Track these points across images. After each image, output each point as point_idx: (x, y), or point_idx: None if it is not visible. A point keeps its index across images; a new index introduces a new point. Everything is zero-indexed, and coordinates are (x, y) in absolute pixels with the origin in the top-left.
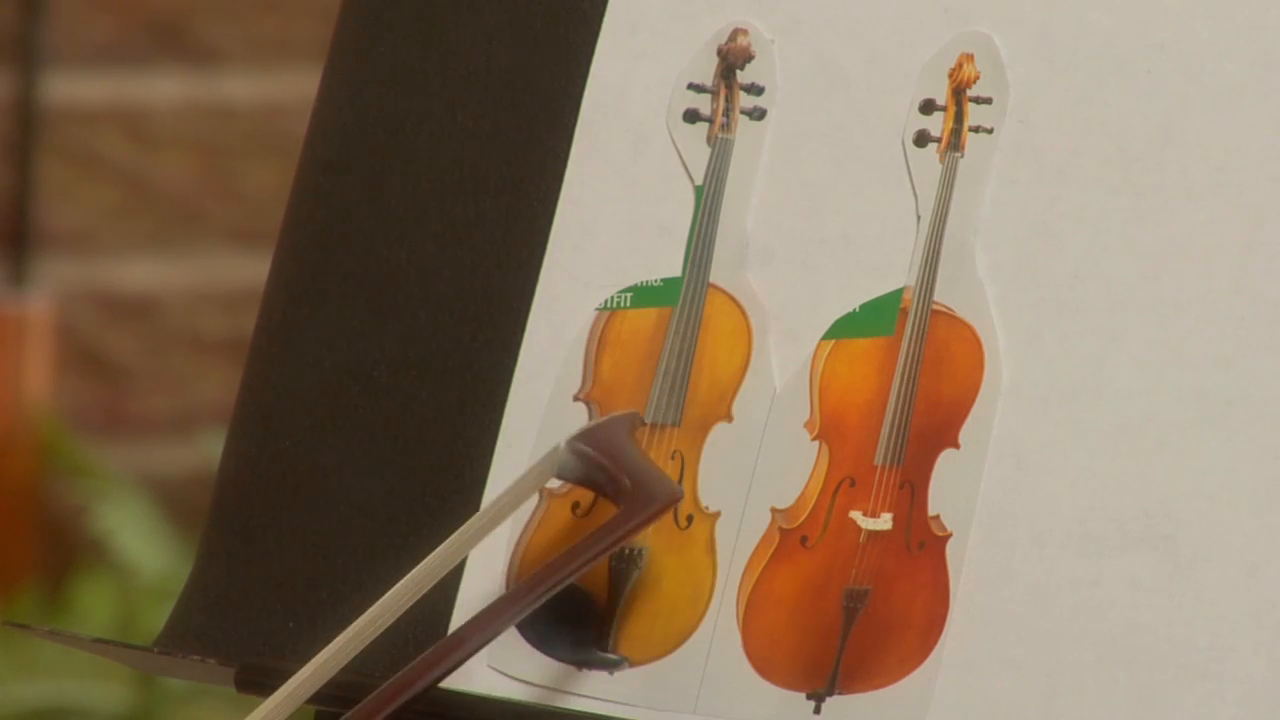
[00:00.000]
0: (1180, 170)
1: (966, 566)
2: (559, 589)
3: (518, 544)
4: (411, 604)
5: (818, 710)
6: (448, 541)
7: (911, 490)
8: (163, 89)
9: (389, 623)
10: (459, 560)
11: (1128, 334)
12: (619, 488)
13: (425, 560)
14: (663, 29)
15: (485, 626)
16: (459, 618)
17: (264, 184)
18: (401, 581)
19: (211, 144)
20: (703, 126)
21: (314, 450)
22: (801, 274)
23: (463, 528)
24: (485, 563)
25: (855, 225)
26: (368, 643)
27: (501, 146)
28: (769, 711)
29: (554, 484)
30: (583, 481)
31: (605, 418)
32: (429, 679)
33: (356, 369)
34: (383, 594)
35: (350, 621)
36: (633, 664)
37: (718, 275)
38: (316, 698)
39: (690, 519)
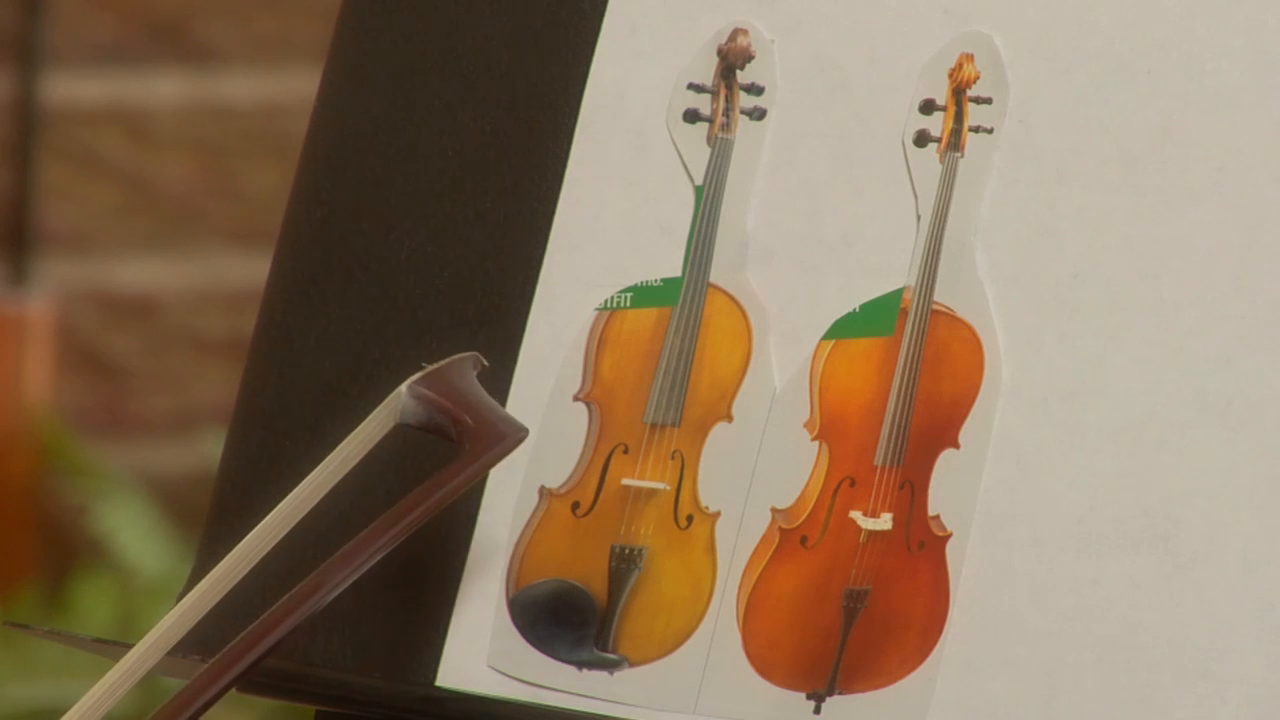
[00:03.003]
0: (1180, 170)
1: (966, 566)
2: (404, 537)
3: (518, 544)
4: (260, 557)
5: (818, 710)
6: (295, 491)
7: (911, 490)
8: (163, 89)
9: (240, 577)
10: (306, 510)
11: (1128, 334)
12: (463, 429)
13: (274, 510)
14: (663, 29)
15: (346, 565)
16: (459, 617)
17: (264, 184)
18: (253, 532)
19: (211, 144)
20: (703, 126)
21: (314, 450)
22: (801, 274)
23: (309, 477)
24: (485, 563)
25: (855, 225)
26: (216, 601)
27: (501, 146)
28: (769, 711)
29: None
30: (426, 426)
31: (444, 360)
32: (282, 630)
33: (356, 369)
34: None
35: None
36: (633, 664)
37: (718, 275)
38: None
39: (690, 519)
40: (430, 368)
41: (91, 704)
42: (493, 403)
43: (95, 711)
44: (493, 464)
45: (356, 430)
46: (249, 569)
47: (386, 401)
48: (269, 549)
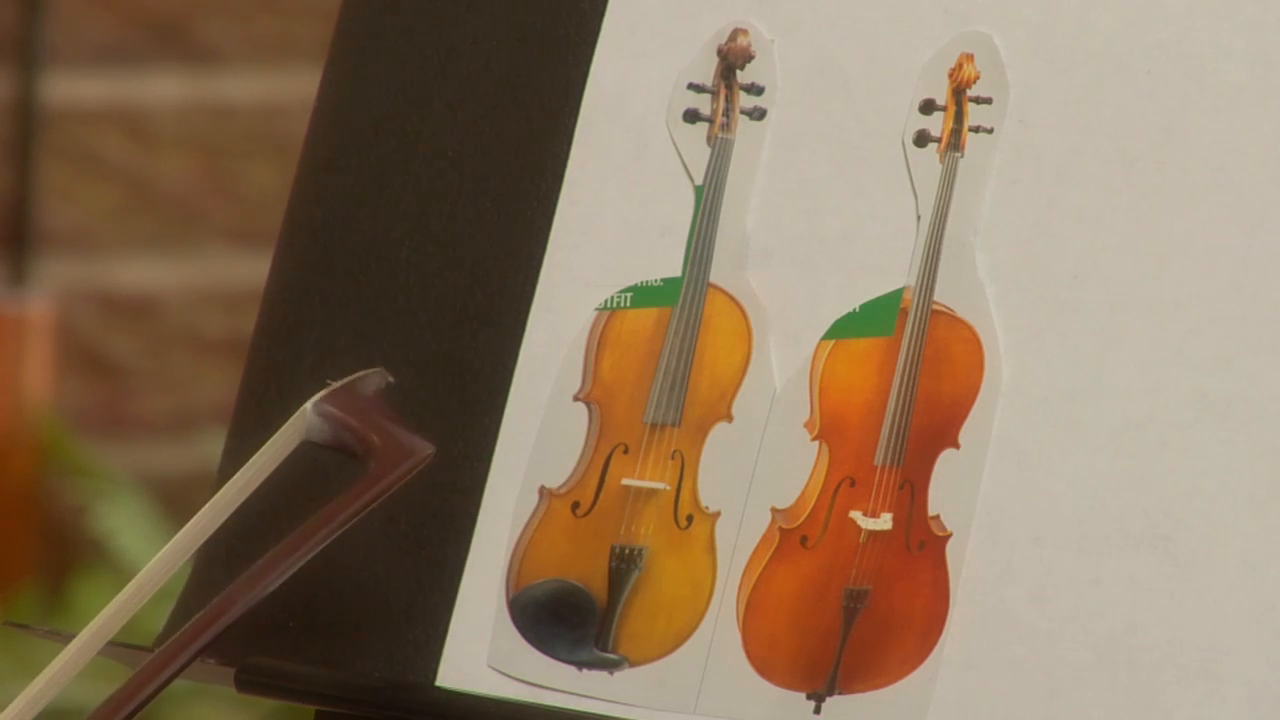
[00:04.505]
0: (1180, 170)
1: (966, 566)
2: (309, 556)
3: (518, 544)
4: (167, 576)
5: (818, 710)
6: (204, 509)
7: (911, 490)
8: (163, 89)
9: (148, 596)
10: (214, 527)
11: (1128, 334)
12: (369, 447)
13: (185, 527)
14: (663, 29)
15: (253, 586)
16: (459, 617)
17: (264, 184)
18: (165, 548)
19: (211, 144)
20: (703, 126)
21: (313, 450)
22: (801, 274)
23: (215, 497)
24: (485, 563)
25: (855, 225)
26: (129, 616)
27: (501, 146)
28: (769, 711)
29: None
30: (332, 444)
31: (350, 377)
32: (196, 646)
33: (356, 369)
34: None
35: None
36: (633, 664)
37: (718, 275)
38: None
39: (690, 519)
40: (334, 385)
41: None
42: (399, 420)
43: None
44: (397, 483)
45: (263, 448)
46: (157, 587)
47: (292, 419)
48: (175, 568)
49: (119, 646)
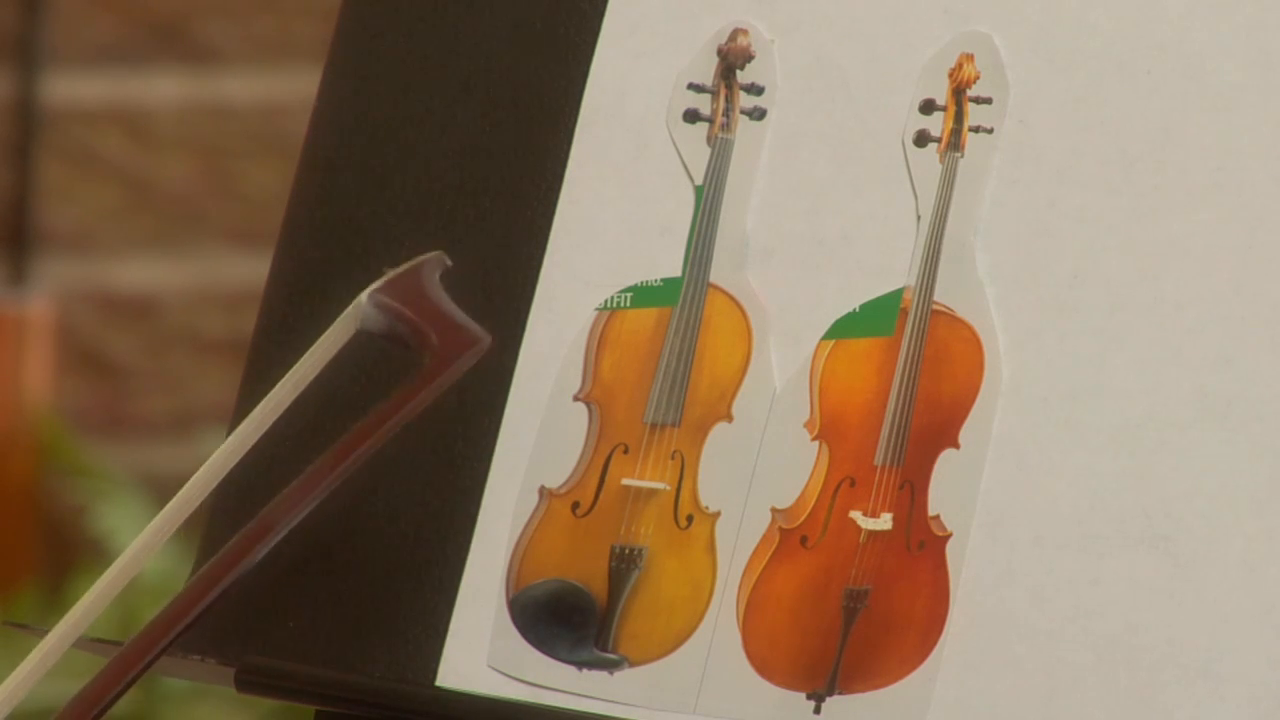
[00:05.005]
0: (1180, 170)
1: (966, 566)
2: (369, 454)
3: (518, 544)
4: (222, 476)
5: (818, 710)
6: (264, 401)
7: (911, 490)
8: (163, 89)
9: (205, 495)
10: (265, 428)
11: (1128, 334)
12: (423, 340)
13: (241, 424)
14: (663, 29)
15: (309, 488)
16: (459, 617)
17: (264, 184)
18: (219, 450)
19: (211, 144)
20: (703, 126)
21: (314, 450)
22: (801, 274)
23: (274, 389)
24: (485, 563)
25: (855, 225)
26: (164, 539)
27: (501, 146)
28: (769, 711)
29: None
30: (386, 335)
31: (408, 264)
32: (245, 564)
33: (356, 369)
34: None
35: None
36: (633, 664)
37: (718, 275)
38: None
39: (690, 519)
40: (392, 273)
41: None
42: (455, 309)
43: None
44: (453, 378)
45: (318, 342)
46: (213, 487)
47: (348, 310)
48: (233, 465)
49: (118, 646)
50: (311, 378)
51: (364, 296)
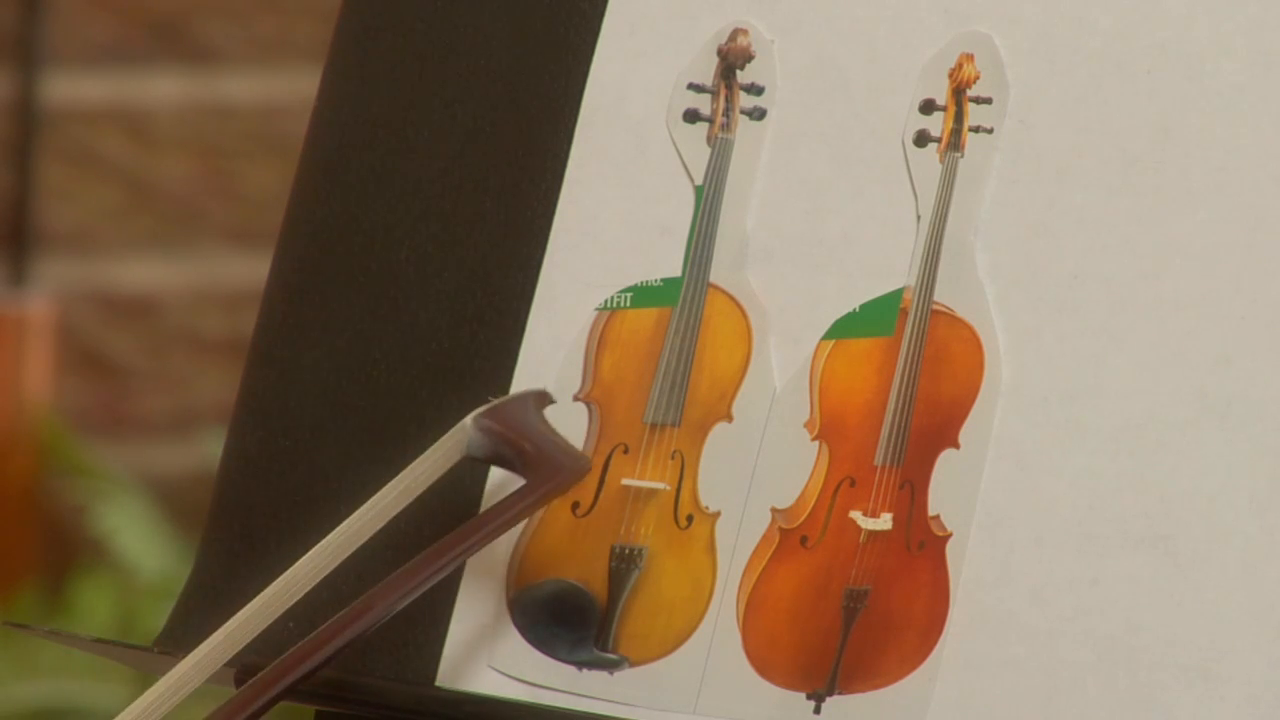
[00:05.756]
0: (1180, 170)
1: (966, 566)
2: (458, 562)
3: (517, 545)
4: (316, 581)
5: (818, 710)
6: (354, 516)
7: (911, 490)
8: (163, 89)
9: (300, 594)
10: (365, 537)
11: (1128, 334)
12: (526, 460)
13: (332, 534)
14: (663, 29)
15: (388, 597)
16: (459, 617)
17: (264, 184)
18: (308, 555)
19: (211, 144)
20: (703, 126)
21: (314, 450)
22: (801, 274)
23: (369, 503)
24: (484, 565)
25: (855, 225)
26: (275, 617)
27: (501, 146)
28: (769, 711)
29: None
30: (491, 458)
31: (512, 395)
32: (332, 647)
33: (356, 369)
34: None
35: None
36: (633, 664)
37: (718, 275)
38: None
39: (690, 519)
40: (497, 401)
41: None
42: (558, 437)
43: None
44: (555, 493)
45: (416, 463)
46: (303, 591)
47: (450, 433)
48: (325, 572)
49: (120, 646)
50: (412, 498)
51: (468, 421)
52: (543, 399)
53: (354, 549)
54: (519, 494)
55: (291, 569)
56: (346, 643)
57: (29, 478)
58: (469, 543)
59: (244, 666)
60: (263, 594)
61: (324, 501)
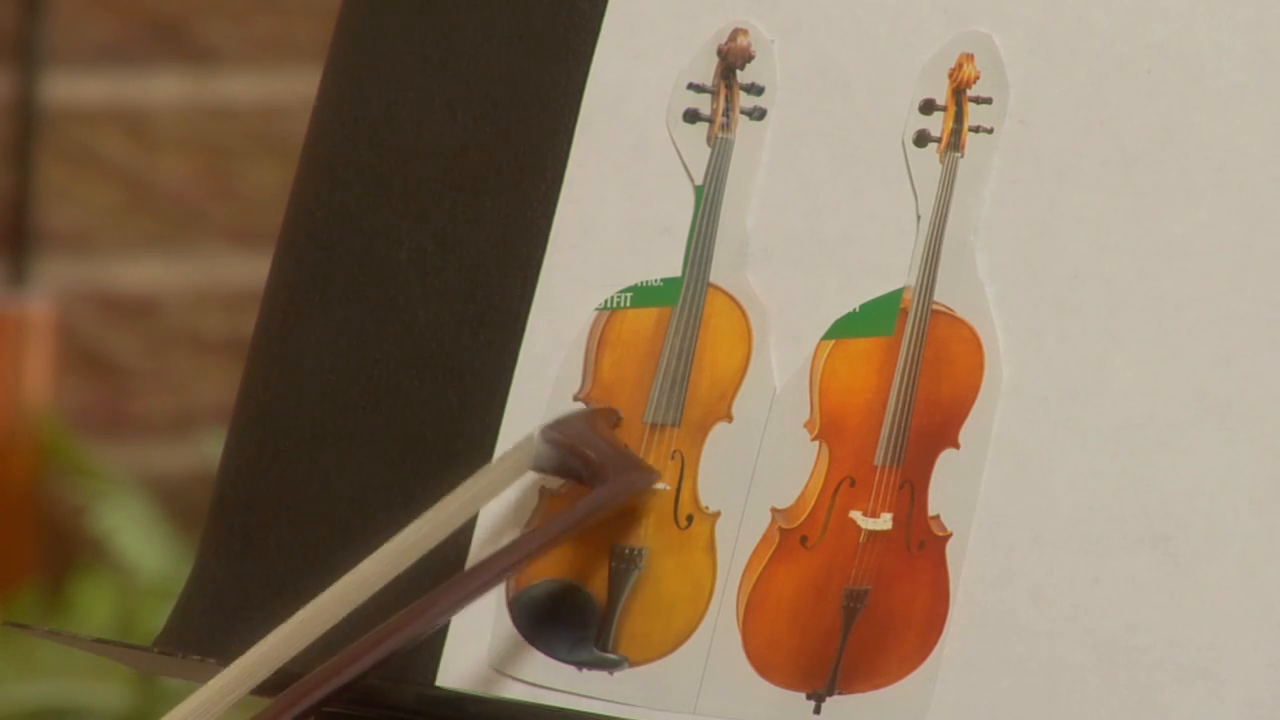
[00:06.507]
0: (1180, 170)
1: (966, 566)
2: (527, 562)
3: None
4: (376, 590)
5: (818, 710)
6: (411, 528)
7: (911, 490)
8: (163, 89)
9: (354, 606)
10: (424, 550)
11: (1128, 334)
12: (595, 470)
13: (388, 544)
14: (663, 29)
15: (452, 596)
16: (459, 617)
17: (264, 184)
18: (362, 564)
19: (211, 144)
20: (703, 126)
21: (314, 450)
22: (801, 274)
23: (428, 514)
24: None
25: (855, 225)
26: (328, 628)
27: (501, 146)
28: (769, 711)
29: (552, 483)
30: (559, 470)
31: (578, 410)
32: (394, 642)
33: (356, 369)
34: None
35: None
36: (632, 664)
37: (718, 275)
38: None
39: (690, 519)
40: (564, 415)
41: None
42: (626, 448)
43: None
44: (623, 501)
45: (481, 474)
46: (363, 599)
47: (517, 446)
48: (388, 579)
49: (120, 646)
50: (476, 510)
51: (535, 433)
52: (612, 416)
53: (414, 561)
54: (594, 497)
55: (340, 582)
56: (396, 648)
57: (29, 478)
58: (529, 548)
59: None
60: (308, 608)
61: (324, 501)
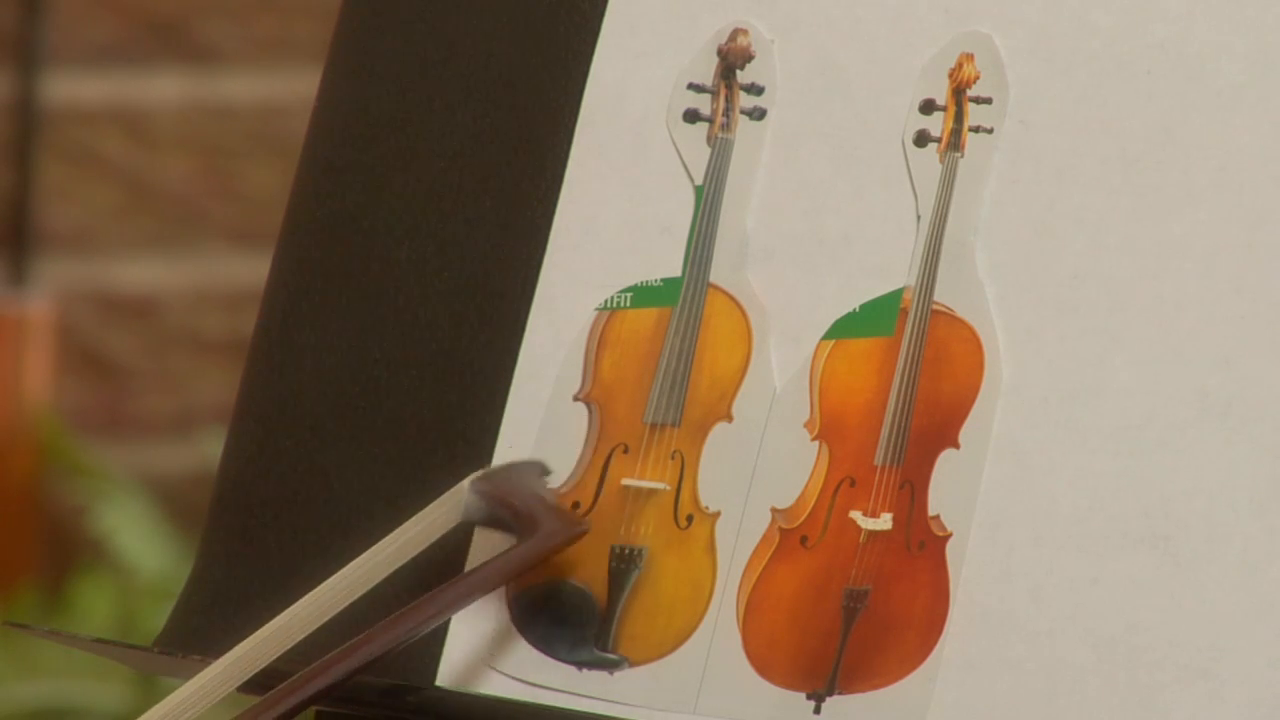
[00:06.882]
0: (1180, 170)
1: (966, 566)
2: (443, 618)
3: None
4: (305, 634)
5: (818, 710)
6: (342, 573)
7: (911, 490)
8: (163, 89)
9: (279, 651)
10: (354, 596)
11: (1128, 334)
12: (524, 521)
13: (322, 586)
14: (663, 29)
15: (396, 627)
16: (459, 617)
17: (264, 184)
18: (297, 605)
19: (211, 144)
20: (703, 126)
21: (314, 450)
22: (801, 274)
23: (357, 561)
24: (485, 561)
25: (855, 225)
26: (271, 660)
27: (501, 146)
28: (769, 711)
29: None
30: (488, 521)
31: (509, 463)
32: (326, 680)
33: (356, 369)
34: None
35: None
36: (632, 664)
37: (718, 275)
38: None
39: (690, 519)
40: (495, 467)
41: None
42: (555, 501)
43: None
44: (551, 555)
45: (409, 523)
46: (287, 646)
47: (446, 496)
48: (315, 626)
49: (120, 646)
50: (406, 560)
51: (466, 484)
52: (542, 470)
53: (346, 604)
54: (517, 551)
55: (272, 622)
56: (317, 692)
57: (29, 478)
58: (453, 598)
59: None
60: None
61: (324, 501)
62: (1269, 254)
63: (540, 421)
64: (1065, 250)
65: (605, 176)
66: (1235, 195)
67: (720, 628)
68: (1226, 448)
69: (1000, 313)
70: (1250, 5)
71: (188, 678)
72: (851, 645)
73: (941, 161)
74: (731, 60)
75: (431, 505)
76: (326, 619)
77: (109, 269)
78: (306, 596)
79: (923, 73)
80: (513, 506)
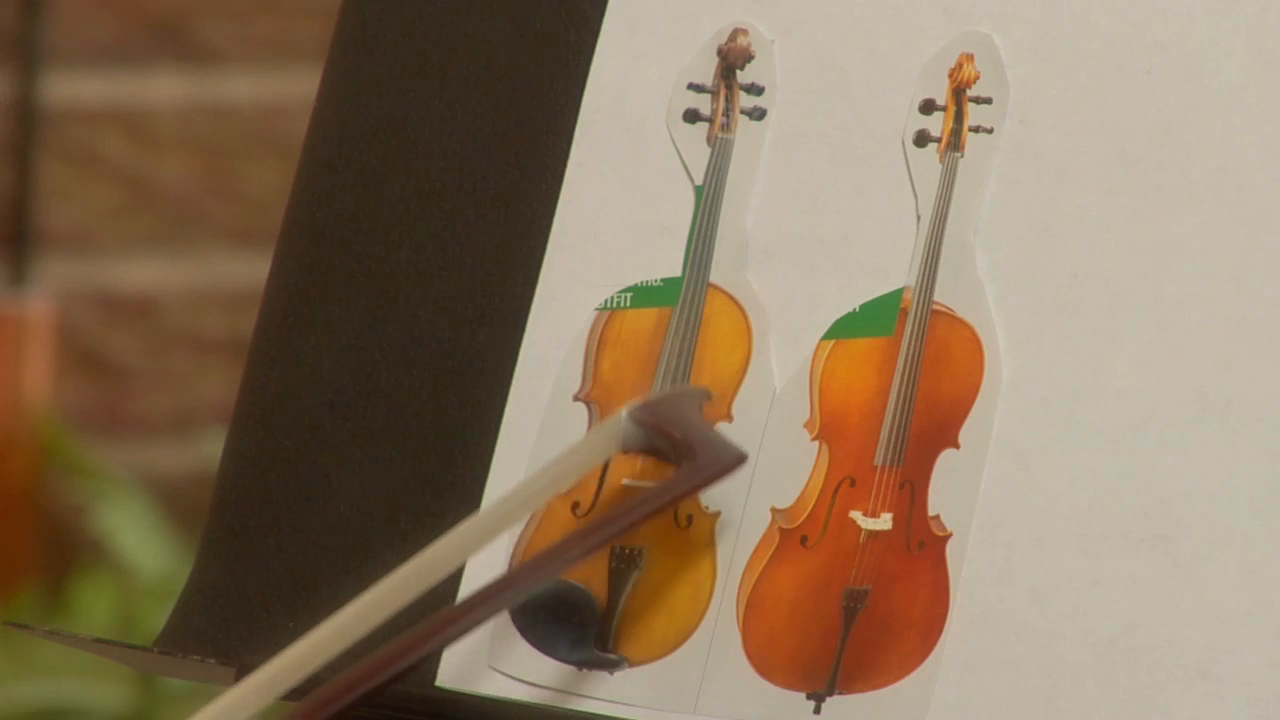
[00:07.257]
0: (1180, 170)
1: (966, 566)
2: (604, 545)
3: (518, 544)
4: (450, 571)
5: (818, 710)
6: (488, 508)
7: (911, 490)
8: (163, 89)
9: (426, 587)
10: (507, 529)
11: (1128, 334)
12: (681, 450)
13: (467, 521)
14: (663, 29)
15: (541, 568)
16: None
17: (264, 184)
18: (436, 543)
19: (211, 144)
20: (703, 126)
21: (314, 450)
22: (801, 274)
23: (510, 492)
24: (485, 563)
25: (855, 225)
26: (393, 613)
27: (501, 146)
28: (769, 711)
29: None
30: (646, 450)
31: (669, 391)
32: (469, 620)
33: (356, 369)
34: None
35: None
36: (632, 664)
37: (718, 275)
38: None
39: (690, 519)
40: (654, 397)
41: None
42: (714, 430)
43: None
44: (712, 480)
45: (567, 451)
46: (436, 580)
47: (603, 425)
48: (462, 561)
49: (120, 646)
50: (561, 489)
51: (623, 414)
52: (703, 396)
53: (493, 540)
54: (677, 478)
55: (417, 558)
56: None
57: (29, 478)
58: (616, 525)
59: (244, 665)
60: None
61: (324, 501)
62: (1269, 254)
63: (540, 421)
64: (1065, 250)
65: (605, 176)
66: (1235, 195)
67: (720, 628)
68: (1226, 448)
69: (1000, 313)
70: (1250, 5)
71: (187, 678)
72: (851, 645)
73: (941, 161)
74: (731, 60)
75: (589, 434)
76: (436, 582)
77: (109, 269)
78: (445, 537)
79: (923, 73)
80: (671, 436)
